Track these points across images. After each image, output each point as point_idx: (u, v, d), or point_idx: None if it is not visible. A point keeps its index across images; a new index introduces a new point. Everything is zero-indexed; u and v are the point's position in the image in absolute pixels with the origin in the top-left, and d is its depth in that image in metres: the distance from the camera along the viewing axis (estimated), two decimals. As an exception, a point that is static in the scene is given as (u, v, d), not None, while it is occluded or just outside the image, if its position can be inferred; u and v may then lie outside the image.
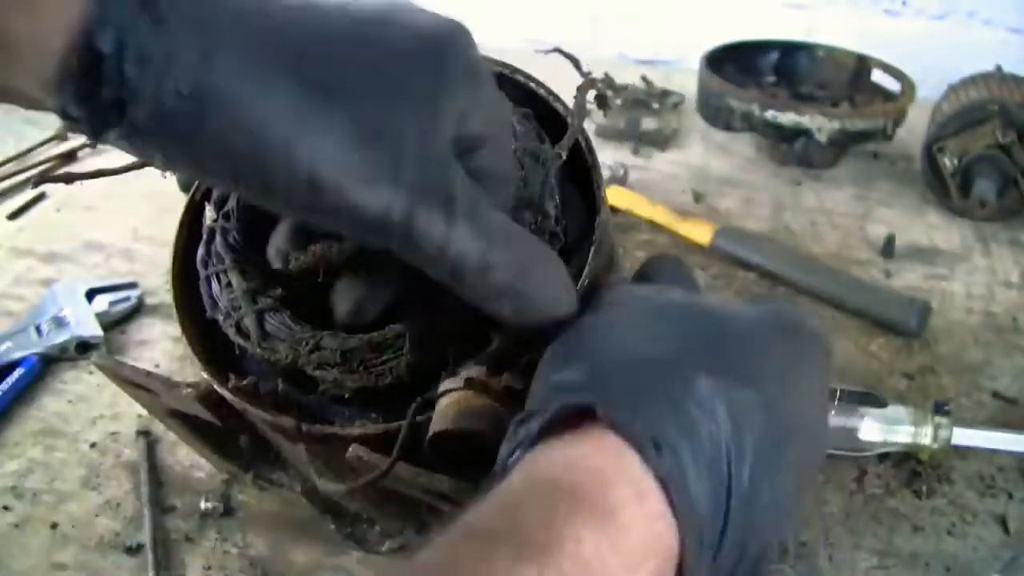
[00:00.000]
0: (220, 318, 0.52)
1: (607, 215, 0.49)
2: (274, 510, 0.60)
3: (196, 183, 0.58)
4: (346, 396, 0.48)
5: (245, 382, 0.50)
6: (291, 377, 0.50)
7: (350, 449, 0.45)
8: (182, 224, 0.57)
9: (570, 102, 0.50)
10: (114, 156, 0.37)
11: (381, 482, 0.45)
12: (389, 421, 0.46)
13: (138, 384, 0.50)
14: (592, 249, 0.48)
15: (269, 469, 0.53)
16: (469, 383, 0.42)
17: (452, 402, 0.42)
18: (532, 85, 0.51)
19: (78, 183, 0.52)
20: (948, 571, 0.58)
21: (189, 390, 0.48)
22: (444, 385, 0.43)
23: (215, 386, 0.49)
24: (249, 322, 0.50)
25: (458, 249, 0.35)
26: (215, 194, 0.56)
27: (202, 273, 0.54)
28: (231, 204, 0.54)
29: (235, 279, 0.52)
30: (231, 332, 0.51)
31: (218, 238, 0.54)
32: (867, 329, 0.81)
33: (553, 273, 0.40)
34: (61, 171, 0.53)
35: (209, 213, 0.55)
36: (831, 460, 0.65)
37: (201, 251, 0.54)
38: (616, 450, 0.32)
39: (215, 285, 0.53)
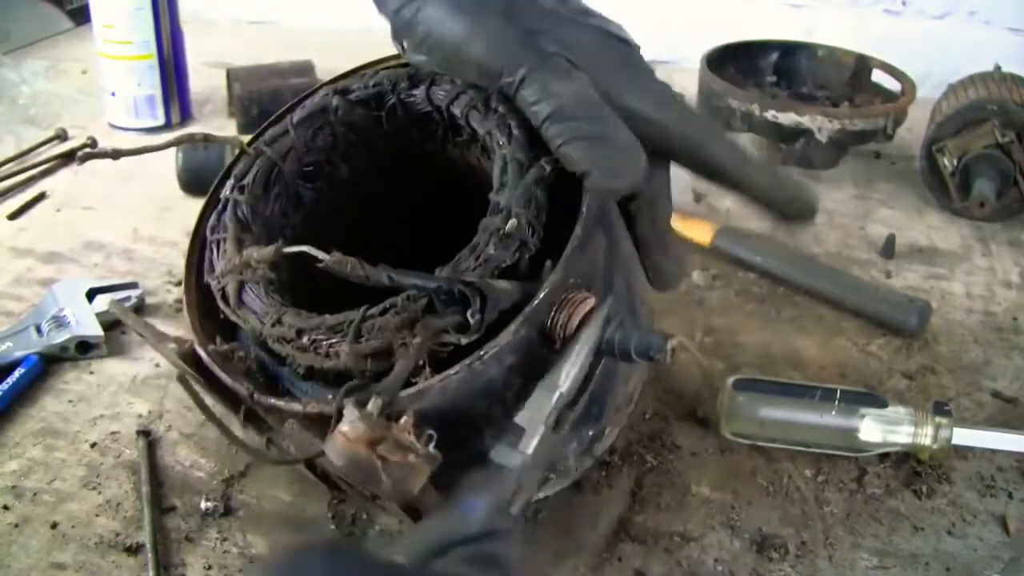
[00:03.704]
0: (212, 283, 0.54)
1: (592, 213, 0.49)
2: (275, 510, 0.60)
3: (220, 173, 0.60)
4: (302, 373, 0.50)
5: (225, 347, 0.52)
6: (266, 348, 0.52)
7: (285, 425, 0.46)
8: (211, 194, 0.60)
9: None
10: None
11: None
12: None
13: (141, 334, 0.55)
14: (570, 246, 0.47)
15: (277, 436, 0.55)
16: (367, 421, 0.42)
17: (344, 442, 0.42)
18: None
19: (106, 161, 0.57)
20: (948, 571, 0.58)
21: (174, 345, 0.51)
22: (347, 415, 0.42)
23: (195, 345, 0.52)
24: (230, 290, 0.53)
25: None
26: (238, 167, 0.58)
27: (208, 238, 0.56)
28: (248, 179, 0.57)
29: (231, 248, 0.54)
30: (217, 297, 0.54)
31: (228, 208, 0.56)
32: (867, 329, 0.81)
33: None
34: (106, 148, 0.57)
35: (228, 184, 0.58)
36: (831, 460, 0.65)
37: (212, 218, 0.57)
38: None
39: (215, 251, 0.55)
